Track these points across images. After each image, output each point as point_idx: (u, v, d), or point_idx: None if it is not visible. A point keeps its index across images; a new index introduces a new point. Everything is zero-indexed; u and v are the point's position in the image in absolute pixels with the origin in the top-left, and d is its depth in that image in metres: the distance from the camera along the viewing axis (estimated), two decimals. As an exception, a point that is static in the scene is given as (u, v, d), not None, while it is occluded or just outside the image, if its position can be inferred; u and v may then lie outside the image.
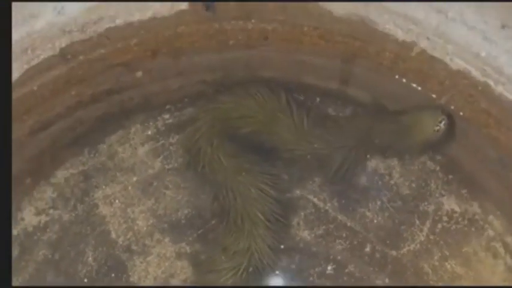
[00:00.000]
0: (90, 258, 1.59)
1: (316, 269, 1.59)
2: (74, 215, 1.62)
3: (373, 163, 1.65)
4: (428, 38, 1.46)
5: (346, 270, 1.59)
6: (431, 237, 1.61)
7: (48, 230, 1.61)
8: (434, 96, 1.55)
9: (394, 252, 1.60)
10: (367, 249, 1.60)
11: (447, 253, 1.59)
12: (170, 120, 1.67)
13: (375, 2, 1.43)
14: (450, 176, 1.64)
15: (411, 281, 1.57)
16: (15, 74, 1.45)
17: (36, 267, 1.59)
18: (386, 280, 1.58)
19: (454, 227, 1.61)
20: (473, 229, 1.60)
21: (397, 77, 1.56)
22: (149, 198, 1.64)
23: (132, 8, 1.45)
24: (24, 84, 1.48)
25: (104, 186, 1.64)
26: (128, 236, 1.62)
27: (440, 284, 1.57)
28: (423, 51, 1.48)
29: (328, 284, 1.57)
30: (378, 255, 1.60)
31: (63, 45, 1.46)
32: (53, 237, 1.61)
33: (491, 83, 1.45)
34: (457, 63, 1.47)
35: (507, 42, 1.40)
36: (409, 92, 1.56)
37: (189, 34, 1.53)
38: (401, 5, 1.43)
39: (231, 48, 1.55)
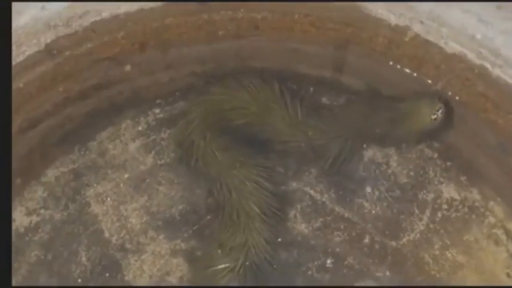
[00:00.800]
0: (83, 258, 1.58)
1: (315, 263, 1.57)
2: (65, 214, 1.61)
3: (370, 152, 1.64)
4: (422, 22, 1.46)
5: (346, 263, 1.57)
6: (431, 226, 1.60)
7: (39, 230, 1.60)
8: (429, 81, 1.56)
9: (393, 243, 1.59)
10: (366, 240, 1.59)
11: (448, 242, 1.58)
12: (161, 115, 1.67)
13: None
14: (449, 163, 1.63)
15: (412, 271, 1.56)
16: (1, 72, 1.39)
17: (29, 269, 1.58)
18: (387, 272, 1.56)
19: (454, 215, 1.60)
20: (473, 216, 1.59)
21: (391, 63, 1.56)
22: (142, 195, 1.63)
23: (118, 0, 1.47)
24: (11, 82, 1.46)
25: (95, 184, 1.63)
26: (122, 235, 1.61)
27: (441, 274, 1.57)
28: (417, 36, 1.48)
29: (327, 277, 1.56)
30: (377, 246, 1.59)
31: (49, 40, 1.46)
32: (44, 237, 1.59)
33: (488, 65, 1.45)
34: (452, 47, 1.47)
35: (503, 23, 1.40)
36: (404, 78, 1.56)
37: (178, 25, 1.53)
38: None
39: (221, 39, 1.55)
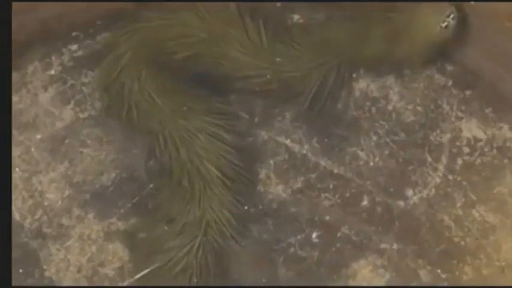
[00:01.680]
0: (-13, 252, 1.49)
1: (298, 237, 1.48)
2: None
3: (362, 84, 1.57)
4: None
5: (339, 235, 1.47)
6: (450, 177, 1.51)
7: None
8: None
9: (401, 203, 1.50)
10: (365, 202, 1.51)
11: (474, 197, 1.50)
12: (80, 52, 1.58)
13: None
14: (468, 92, 1.56)
15: (428, 240, 1.46)
16: None
17: None
18: (394, 244, 1.45)
19: (479, 160, 1.52)
20: (505, 161, 1.52)
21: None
22: (61, 161, 1.54)
23: None
24: None
25: (-3, 151, 1.55)
26: (37, 216, 1.52)
27: (467, 240, 1.45)
28: None
29: (316, 255, 1.44)
30: (379, 209, 1.50)
31: None
32: None
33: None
34: None
35: None
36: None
37: None
38: None
39: None
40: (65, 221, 1.51)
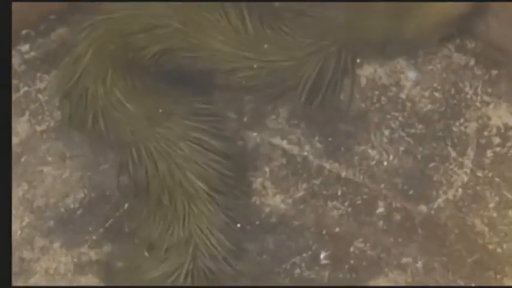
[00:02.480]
0: None
1: (304, 255, 1.39)
2: None
3: (368, 70, 1.49)
4: None
5: (352, 249, 1.39)
6: (479, 173, 1.43)
7: None
8: None
9: (423, 208, 1.41)
10: (380, 209, 1.42)
11: (509, 195, 1.42)
12: (32, 53, 1.50)
13: None
14: (494, 72, 1.47)
15: (457, 249, 1.38)
16: None
17: None
18: (419, 256, 1.38)
19: None
20: None
21: None
22: (18, 183, 1.46)
23: None
24: None
25: None
26: None
27: (504, 247, 1.37)
28: None
29: (326, 275, 1.38)
30: (398, 216, 1.41)
31: None
32: None
33: None
34: None
35: None
36: None
37: None
38: None
39: None
40: (26, 254, 1.43)
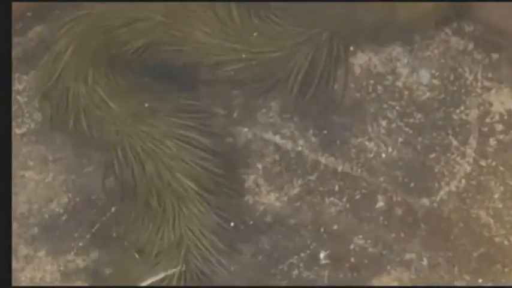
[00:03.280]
0: None
1: (302, 255, 1.37)
2: None
3: (362, 59, 1.47)
4: None
5: (352, 247, 1.37)
6: (483, 162, 1.41)
7: None
8: None
9: (425, 201, 1.39)
10: (380, 204, 1.40)
11: None
12: None
13: None
14: (494, 55, 1.45)
15: (462, 243, 1.35)
16: None
17: None
18: (423, 252, 1.36)
19: None
20: None
21: None
22: None
23: None
24: None
25: None
26: None
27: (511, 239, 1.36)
28: None
29: (326, 275, 1.36)
30: (399, 211, 1.39)
31: None
32: None
33: None
34: None
35: None
36: None
37: None
38: None
39: None
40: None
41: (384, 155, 1.43)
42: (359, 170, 1.43)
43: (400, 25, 1.43)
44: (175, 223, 1.37)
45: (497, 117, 1.43)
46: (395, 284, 1.39)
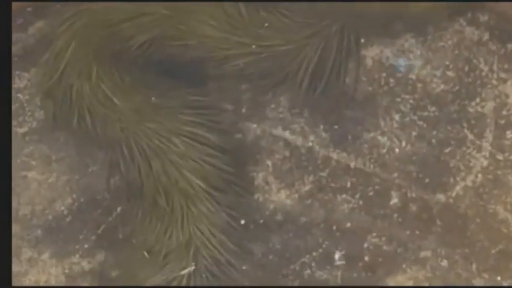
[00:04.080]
0: None
1: (314, 254, 1.36)
2: None
3: (374, 51, 1.45)
4: None
5: (366, 245, 1.36)
6: (499, 156, 1.40)
7: None
8: None
9: (441, 197, 1.38)
10: (394, 200, 1.38)
11: None
12: None
13: None
14: (510, 46, 1.44)
15: (481, 239, 1.34)
16: None
17: None
18: (438, 251, 1.35)
19: None
20: None
21: None
22: None
23: None
24: None
25: None
26: None
27: None
28: None
29: (340, 274, 1.35)
30: (414, 207, 1.38)
31: None
32: None
33: None
34: None
35: None
36: None
37: None
38: None
39: None
40: (14, 267, 1.38)
41: (397, 150, 1.42)
42: (372, 166, 1.42)
43: (412, 15, 1.42)
44: (184, 222, 1.36)
45: (513, 108, 1.51)
46: (411, 283, 1.38)
